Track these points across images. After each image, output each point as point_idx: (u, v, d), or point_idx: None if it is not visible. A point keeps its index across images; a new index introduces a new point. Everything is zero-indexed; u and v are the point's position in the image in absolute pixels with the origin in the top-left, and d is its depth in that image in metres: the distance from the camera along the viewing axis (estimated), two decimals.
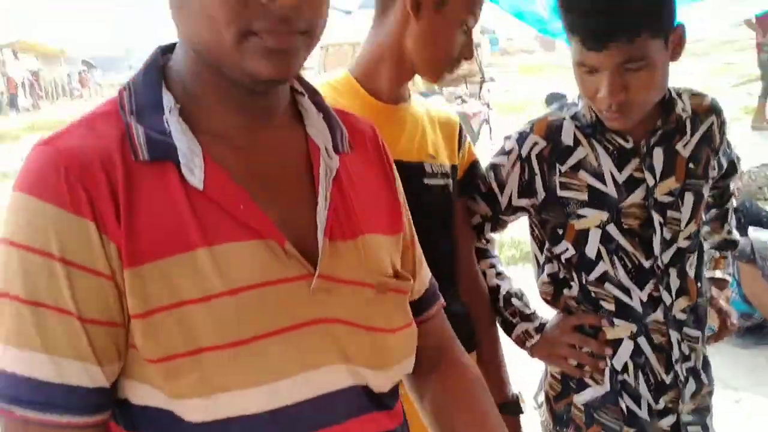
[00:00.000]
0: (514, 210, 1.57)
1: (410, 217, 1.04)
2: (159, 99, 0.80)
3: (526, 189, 1.52)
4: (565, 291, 1.57)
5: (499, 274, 1.66)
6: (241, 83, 0.78)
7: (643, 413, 1.52)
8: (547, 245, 1.58)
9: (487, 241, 1.69)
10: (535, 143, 1.50)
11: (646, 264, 1.48)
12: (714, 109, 1.55)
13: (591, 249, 1.49)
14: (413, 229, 1.04)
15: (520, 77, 25.99)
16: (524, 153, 1.51)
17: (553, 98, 9.83)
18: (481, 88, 7.95)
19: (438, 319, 1.06)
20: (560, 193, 1.49)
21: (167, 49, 0.87)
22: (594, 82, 1.36)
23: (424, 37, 1.39)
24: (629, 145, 1.47)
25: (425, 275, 1.05)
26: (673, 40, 1.36)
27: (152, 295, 0.74)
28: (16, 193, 0.74)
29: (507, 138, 1.57)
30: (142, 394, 0.77)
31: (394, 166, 1.02)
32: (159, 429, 0.77)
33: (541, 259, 1.62)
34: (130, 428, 0.79)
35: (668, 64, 1.38)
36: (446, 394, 1.01)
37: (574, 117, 1.51)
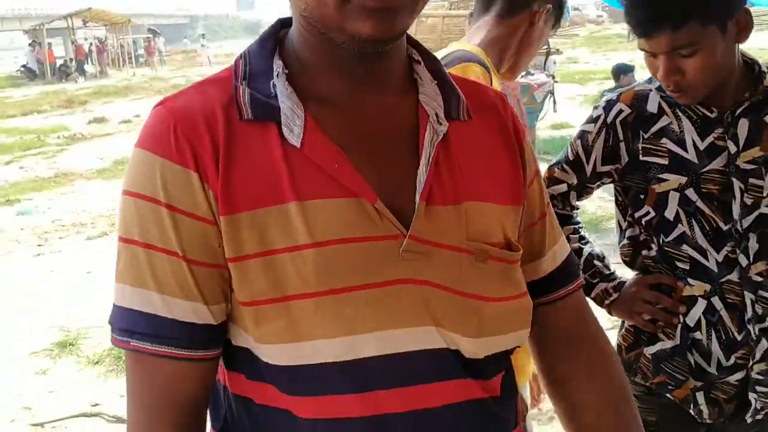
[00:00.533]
0: (599, 176, 1.66)
1: (544, 192, 1.02)
2: (270, 66, 0.85)
3: (609, 155, 1.62)
4: (644, 252, 1.66)
5: (582, 239, 1.75)
6: (346, 46, 0.79)
7: (711, 369, 1.59)
8: (629, 211, 1.67)
9: (572, 208, 1.76)
10: (621, 110, 1.60)
11: (724, 227, 1.54)
12: None
13: (670, 211, 1.57)
14: (546, 206, 1.02)
15: (587, 48, 25.39)
16: (609, 119, 1.61)
17: (620, 69, 9.55)
18: (546, 59, 7.71)
19: (572, 301, 1.03)
20: (642, 158, 1.58)
21: (287, 22, 0.90)
22: (654, 64, 1.48)
23: (534, 43, 1.83)
24: (713, 115, 1.53)
25: (559, 253, 1.03)
26: (737, 23, 1.42)
27: (245, 242, 0.79)
28: (135, 148, 0.83)
29: (595, 107, 1.67)
30: (236, 335, 0.84)
31: (526, 140, 0.99)
32: (247, 370, 0.84)
33: (624, 225, 1.71)
34: (229, 368, 0.87)
35: (732, 45, 1.45)
36: (588, 391, 1.01)
37: (659, 88, 1.57)
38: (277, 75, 0.84)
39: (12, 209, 8.40)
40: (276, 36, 0.89)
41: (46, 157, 11.66)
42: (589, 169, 1.65)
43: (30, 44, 31.65)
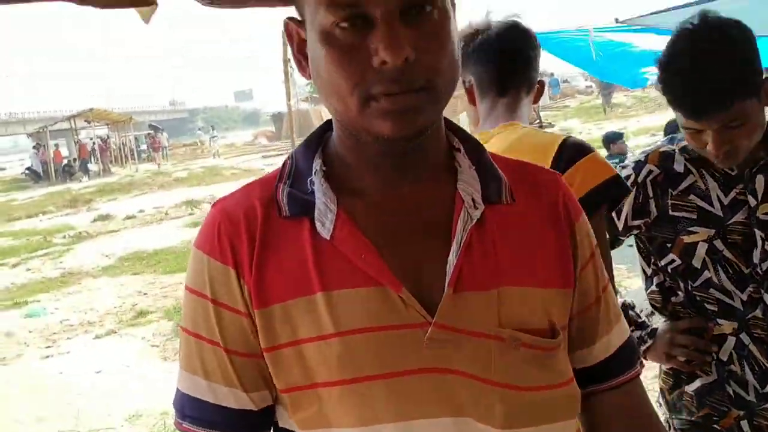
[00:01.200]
0: (629, 229, 1.80)
1: (603, 276, 0.99)
2: (311, 165, 0.91)
3: (639, 210, 1.77)
4: (672, 298, 1.80)
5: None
6: (373, 145, 0.84)
7: (750, 397, 1.71)
8: (653, 259, 1.82)
9: None
10: (651, 171, 1.76)
11: (746, 270, 1.69)
12: None
13: (697, 259, 1.72)
14: (603, 290, 0.99)
15: (578, 119, 25.83)
16: (640, 179, 1.76)
17: (610, 138, 9.75)
18: None
19: (625, 393, 0.99)
20: (672, 212, 1.74)
21: (332, 124, 0.95)
22: (700, 139, 1.60)
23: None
24: (734, 173, 1.70)
25: (612, 341, 0.99)
26: (765, 90, 1.58)
27: (277, 333, 0.85)
28: (192, 247, 0.92)
29: (623, 167, 1.81)
30: (282, 418, 0.90)
31: (580, 221, 0.97)
32: None
33: (648, 272, 1.86)
34: None
35: (764, 109, 1.61)
36: None
37: (683, 149, 1.75)
38: (315, 172, 0.90)
39: (20, 311, 8.40)
40: (321, 137, 0.95)
41: (52, 257, 11.74)
42: (620, 224, 1.78)
43: (34, 146, 32.25)
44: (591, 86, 38.43)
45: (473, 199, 0.89)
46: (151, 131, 36.51)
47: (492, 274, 0.86)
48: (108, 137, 34.84)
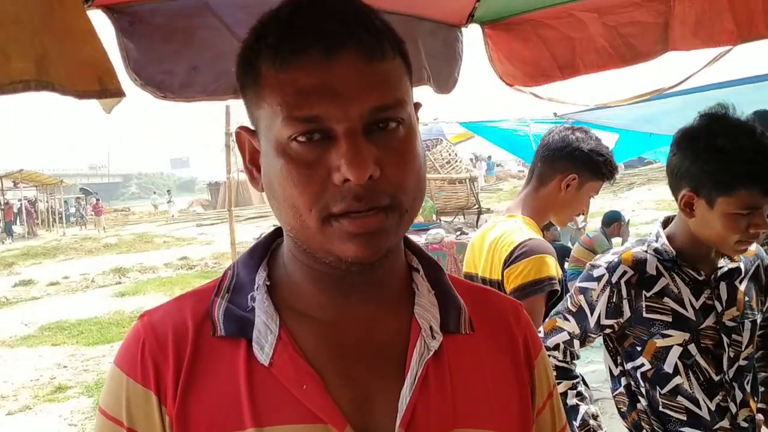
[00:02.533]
0: (601, 327, 1.80)
1: (561, 417, 0.94)
2: (254, 277, 0.84)
3: (613, 310, 1.77)
4: (638, 405, 1.79)
5: (579, 395, 1.87)
6: (333, 265, 0.78)
7: None
8: (620, 360, 1.83)
9: (573, 357, 1.88)
10: (625, 272, 1.77)
11: (716, 377, 1.71)
12: (759, 255, 1.88)
13: (669, 364, 1.72)
14: (559, 426, 0.94)
15: (510, 201, 26.39)
16: (614, 279, 1.77)
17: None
18: (478, 217, 8.02)
19: None
20: (646, 314, 1.74)
21: (282, 231, 0.88)
22: (741, 222, 1.63)
23: (569, 204, 2.34)
24: (701, 278, 1.74)
25: None
26: None
27: None
28: (112, 363, 0.83)
29: (594, 267, 1.84)
30: None
31: (539, 357, 0.92)
32: None
33: (615, 372, 1.86)
34: None
35: None
36: None
37: (656, 251, 1.78)
38: (257, 287, 0.82)
39: None
40: (267, 247, 0.88)
41: None
42: (593, 321, 1.79)
43: None
44: (523, 170, 39.67)
45: (431, 327, 0.83)
46: (82, 195, 35.63)
47: (448, 416, 0.80)
48: (36, 199, 33.81)
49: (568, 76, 2.52)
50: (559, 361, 1.85)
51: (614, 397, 1.87)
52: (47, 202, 33.49)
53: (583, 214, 2.41)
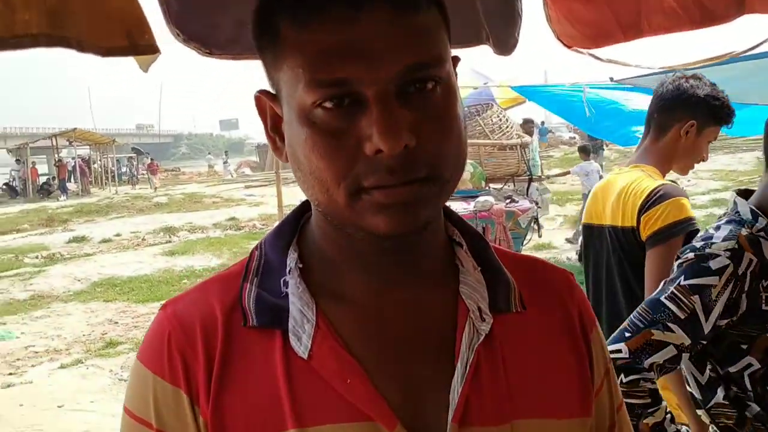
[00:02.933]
0: (714, 330, 1.48)
1: (618, 394, 0.86)
2: (284, 259, 0.77)
3: (730, 307, 1.48)
4: (746, 412, 1.51)
5: (672, 419, 1.52)
6: (366, 241, 0.72)
7: None
8: (712, 365, 1.54)
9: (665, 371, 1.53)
10: (750, 261, 1.48)
11: None
12: None
13: None
14: (617, 411, 0.86)
15: (561, 169, 26.01)
16: (741, 270, 1.48)
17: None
18: (528, 185, 7.88)
19: None
20: (765, 307, 1.48)
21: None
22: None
23: (690, 151, 2.39)
24: None
25: None
26: None
27: None
28: (136, 358, 0.76)
29: (706, 257, 1.50)
30: None
31: (595, 330, 0.85)
32: None
33: (704, 379, 1.57)
34: None
35: None
36: None
37: (765, 229, 1.51)
38: (289, 270, 0.75)
39: None
40: (296, 223, 0.81)
41: (22, 278, 11.43)
42: (708, 326, 1.47)
43: (16, 161, 31.90)
44: (574, 137, 38.96)
45: (479, 308, 0.76)
46: (134, 154, 36.28)
47: (504, 404, 0.73)
48: (89, 157, 34.55)
49: (631, 38, 2.37)
50: (652, 384, 1.48)
51: (709, 410, 1.58)
52: (100, 160, 34.18)
53: (703, 160, 2.43)
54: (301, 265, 0.76)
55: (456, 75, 0.74)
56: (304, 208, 0.82)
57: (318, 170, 0.67)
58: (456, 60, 0.75)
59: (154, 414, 0.73)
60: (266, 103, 0.76)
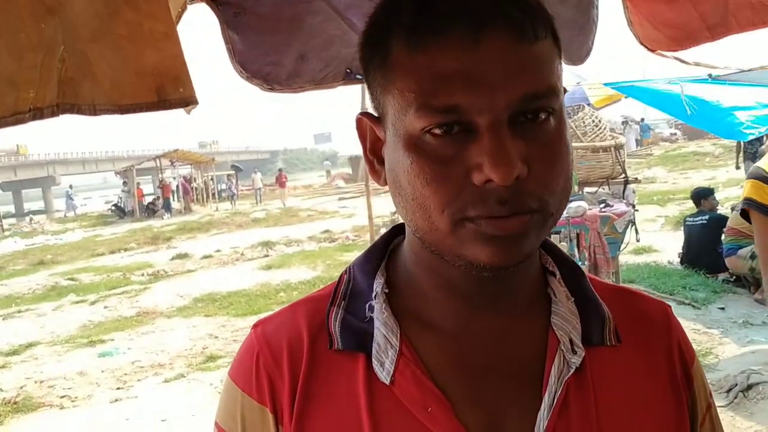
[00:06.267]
0: None
1: (719, 426, 0.83)
2: (371, 283, 0.77)
3: None
4: None
5: None
6: (463, 270, 0.70)
7: None
8: None
9: None
10: None
11: None
12: None
13: None
14: None
15: (663, 167, 25.08)
16: None
17: (700, 194, 9.27)
18: (625, 188, 7.58)
19: None
20: None
21: (403, 228, 0.81)
22: None
23: None
24: None
25: None
26: None
27: None
28: (227, 375, 0.80)
29: None
30: None
31: (695, 366, 0.82)
32: None
33: None
34: None
35: None
36: None
37: None
38: (375, 295, 0.76)
39: (94, 350, 8.51)
40: (385, 247, 0.81)
41: (129, 295, 11.96)
42: None
43: (124, 183, 33.52)
44: (676, 134, 37.49)
45: (571, 340, 0.74)
46: (233, 171, 37.44)
47: None
48: (191, 176, 35.92)
49: (719, 36, 2.23)
50: None
51: None
52: (201, 179, 35.47)
53: None
54: (387, 290, 0.77)
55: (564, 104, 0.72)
56: (396, 232, 0.82)
57: (422, 197, 0.66)
58: (564, 91, 0.72)
59: (241, 429, 0.76)
60: (367, 125, 0.76)
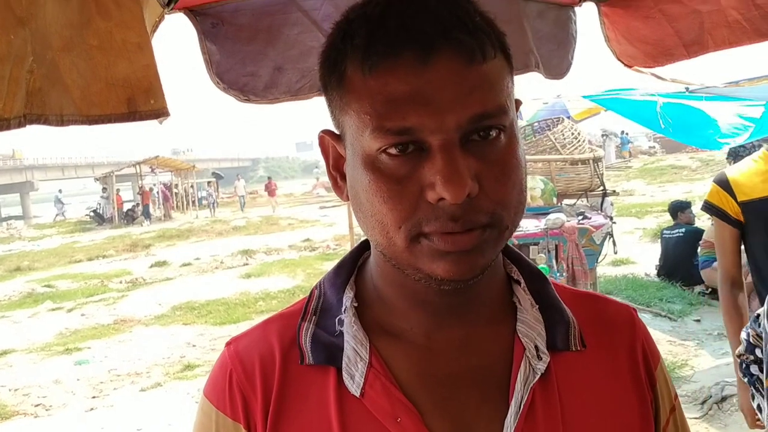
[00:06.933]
0: None
1: (683, 427, 0.84)
2: (341, 297, 0.79)
3: None
4: None
5: None
6: (423, 283, 0.72)
7: None
8: None
9: None
10: None
11: None
12: None
13: None
14: None
15: (642, 180, 25.31)
16: None
17: (677, 207, 9.36)
18: (603, 200, 7.65)
19: None
20: None
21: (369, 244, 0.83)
22: None
23: None
24: None
25: None
26: None
27: None
28: (202, 392, 0.82)
29: None
30: None
31: (659, 367, 0.83)
32: None
33: None
34: None
35: None
36: None
37: None
38: (344, 309, 0.78)
39: (71, 358, 8.42)
40: (354, 262, 0.83)
41: (107, 303, 11.84)
42: None
43: (103, 189, 33.22)
44: (654, 147, 37.85)
45: (536, 347, 0.76)
46: (213, 179, 37.26)
47: None
48: (171, 183, 35.72)
49: (695, 54, 2.27)
50: None
51: None
52: (181, 186, 35.26)
53: None
54: (356, 304, 0.78)
55: (518, 116, 0.74)
56: (364, 246, 0.84)
57: (379, 214, 0.68)
58: (518, 103, 0.74)
59: None
60: (329, 143, 0.77)
